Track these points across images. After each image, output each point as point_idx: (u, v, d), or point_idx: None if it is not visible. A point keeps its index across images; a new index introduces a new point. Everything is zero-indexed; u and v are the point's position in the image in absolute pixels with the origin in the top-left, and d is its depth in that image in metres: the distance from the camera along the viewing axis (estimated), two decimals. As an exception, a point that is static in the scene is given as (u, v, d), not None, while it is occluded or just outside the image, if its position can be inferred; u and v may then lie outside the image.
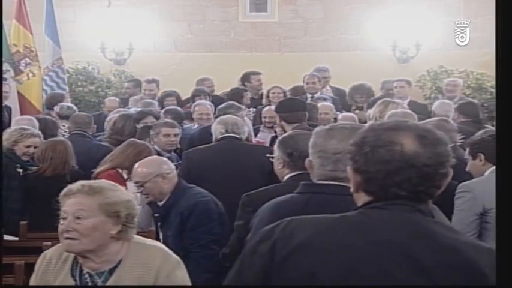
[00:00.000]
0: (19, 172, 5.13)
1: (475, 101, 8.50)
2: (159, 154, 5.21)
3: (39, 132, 5.47)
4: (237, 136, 5.07)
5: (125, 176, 4.78)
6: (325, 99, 7.65)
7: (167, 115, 6.45)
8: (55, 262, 2.59)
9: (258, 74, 8.58)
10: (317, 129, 2.53)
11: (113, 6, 10.28)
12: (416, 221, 1.67)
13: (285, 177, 3.12)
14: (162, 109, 7.16)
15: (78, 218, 2.47)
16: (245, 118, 6.39)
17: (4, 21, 8.00)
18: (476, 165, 3.93)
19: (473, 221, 3.69)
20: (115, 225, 2.51)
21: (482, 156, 3.87)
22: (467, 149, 4.06)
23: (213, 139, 5.16)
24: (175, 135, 5.60)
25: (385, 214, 1.68)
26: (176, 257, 2.63)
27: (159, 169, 4.01)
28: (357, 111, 7.49)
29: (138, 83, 9.22)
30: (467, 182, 3.82)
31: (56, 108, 7.25)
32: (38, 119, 6.13)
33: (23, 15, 8.73)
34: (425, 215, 1.70)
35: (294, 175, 3.03)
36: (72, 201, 2.49)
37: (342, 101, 8.25)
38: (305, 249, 1.67)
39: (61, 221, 2.50)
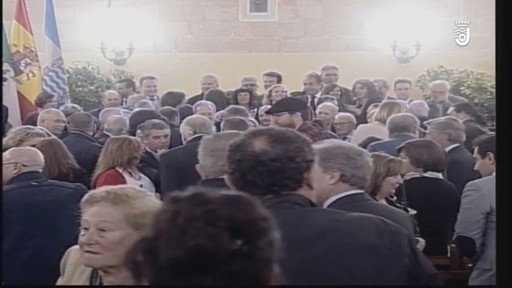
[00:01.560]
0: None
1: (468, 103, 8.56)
2: (150, 154, 5.32)
3: (44, 132, 5.49)
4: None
5: (125, 174, 4.78)
6: (326, 99, 7.65)
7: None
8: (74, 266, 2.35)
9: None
10: (204, 137, 2.95)
11: (113, 6, 10.28)
12: (299, 213, 1.89)
13: None
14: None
15: (103, 230, 2.17)
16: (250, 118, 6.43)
17: (4, 21, 8.00)
18: (485, 164, 3.93)
19: (479, 219, 3.68)
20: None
21: (492, 155, 3.85)
22: (476, 148, 4.05)
23: (182, 140, 5.15)
24: (165, 135, 5.61)
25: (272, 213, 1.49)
26: None
27: None
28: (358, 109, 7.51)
29: (130, 83, 9.23)
30: (475, 180, 3.81)
31: (61, 108, 7.26)
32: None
33: (23, 15, 8.73)
34: (302, 206, 1.91)
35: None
36: (96, 210, 2.19)
37: (347, 100, 8.29)
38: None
39: (82, 231, 2.21)
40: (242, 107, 6.89)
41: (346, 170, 2.63)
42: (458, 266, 4.37)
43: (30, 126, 5.45)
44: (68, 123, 6.30)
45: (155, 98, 8.58)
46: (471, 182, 3.81)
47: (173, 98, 7.87)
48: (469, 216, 3.72)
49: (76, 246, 2.30)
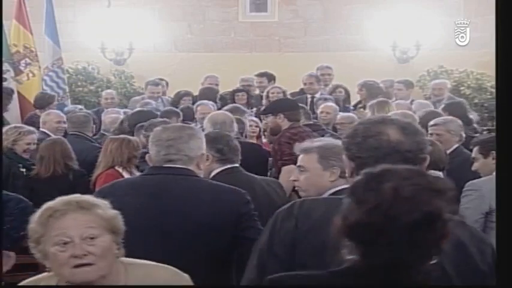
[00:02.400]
0: (22, 172, 5.15)
1: (463, 101, 8.55)
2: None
3: (35, 130, 5.50)
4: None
5: (124, 173, 4.78)
6: (326, 100, 7.65)
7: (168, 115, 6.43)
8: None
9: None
10: (155, 129, 3.10)
11: (113, 6, 10.28)
12: None
13: (214, 172, 3.51)
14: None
15: (91, 238, 2.04)
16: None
17: (4, 21, 7.99)
18: (487, 164, 3.90)
19: (478, 219, 3.68)
20: (116, 243, 2.13)
21: (495, 154, 3.82)
22: (476, 148, 4.03)
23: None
24: None
25: None
26: (186, 275, 2.27)
27: None
28: (361, 110, 7.48)
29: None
30: (475, 180, 3.80)
31: (65, 109, 7.27)
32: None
33: (23, 15, 8.72)
34: None
35: (224, 169, 3.52)
36: (73, 221, 2.04)
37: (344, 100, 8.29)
38: (321, 223, 1.98)
39: (61, 248, 2.02)
40: (241, 105, 6.86)
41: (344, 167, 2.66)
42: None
43: (19, 125, 5.47)
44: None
45: (159, 101, 8.56)
46: (470, 181, 3.81)
47: (177, 97, 8.01)
48: (469, 216, 3.71)
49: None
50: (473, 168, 4.02)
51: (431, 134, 5.08)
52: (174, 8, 10.62)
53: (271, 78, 8.84)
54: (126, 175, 4.77)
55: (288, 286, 1.66)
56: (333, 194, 2.67)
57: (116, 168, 4.83)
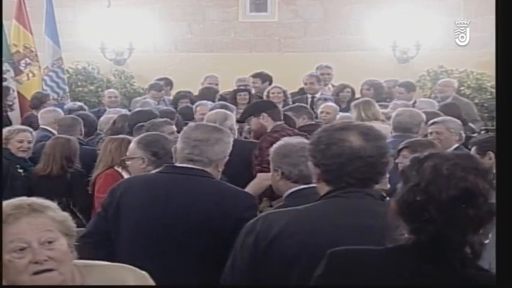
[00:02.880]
0: (20, 172, 5.14)
1: (469, 101, 8.60)
2: None
3: (28, 128, 5.51)
4: None
5: (124, 173, 4.78)
6: (326, 100, 7.65)
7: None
8: None
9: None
10: (189, 123, 3.17)
11: (113, 6, 10.28)
12: (368, 204, 2.09)
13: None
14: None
15: (49, 242, 1.92)
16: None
17: (4, 21, 7.99)
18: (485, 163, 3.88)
19: None
20: (70, 246, 2.00)
21: (492, 154, 3.81)
22: (474, 148, 4.01)
23: None
24: (172, 132, 5.57)
25: (343, 201, 2.09)
26: (143, 272, 2.18)
27: None
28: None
29: (168, 82, 9.14)
30: None
31: (68, 106, 7.24)
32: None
33: (23, 15, 8.72)
34: (375, 198, 2.13)
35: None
36: (27, 225, 1.90)
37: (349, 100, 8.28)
38: (283, 236, 2.06)
39: (17, 254, 1.89)
40: (228, 103, 6.85)
41: (284, 168, 2.87)
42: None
43: (12, 126, 5.50)
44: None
45: (162, 101, 8.56)
46: None
47: (175, 99, 7.99)
48: None
49: None
50: None
51: (430, 133, 5.10)
52: (174, 8, 10.62)
53: (265, 78, 8.74)
54: (125, 175, 4.77)
55: (350, 258, 1.75)
56: (289, 195, 2.84)
57: (116, 168, 4.82)
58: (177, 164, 2.99)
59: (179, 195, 2.87)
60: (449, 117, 5.41)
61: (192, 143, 2.95)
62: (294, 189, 2.86)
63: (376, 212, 2.02)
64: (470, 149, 4.23)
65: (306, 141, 2.76)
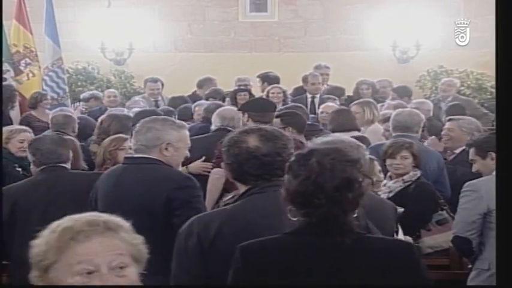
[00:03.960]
0: (19, 171, 5.13)
1: (470, 98, 8.66)
2: None
3: (28, 128, 5.52)
4: (231, 129, 5.13)
5: None
6: (328, 99, 7.64)
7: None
8: None
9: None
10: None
11: (113, 6, 10.28)
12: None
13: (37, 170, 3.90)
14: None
15: (120, 268, 1.66)
16: None
17: (4, 21, 7.99)
18: (486, 164, 3.86)
19: (475, 220, 3.66)
20: (139, 275, 1.73)
21: (494, 155, 3.78)
22: (473, 149, 4.00)
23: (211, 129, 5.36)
24: None
25: (262, 196, 2.36)
26: None
27: None
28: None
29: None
30: (474, 181, 3.77)
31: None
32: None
33: (23, 15, 8.72)
34: None
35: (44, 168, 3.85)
36: (99, 246, 1.64)
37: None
38: (221, 235, 2.30)
39: (84, 279, 1.63)
40: (221, 102, 6.89)
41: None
42: (458, 266, 4.37)
43: (12, 125, 5.51)
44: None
45: (159, 99, 8.55)
46: (469, 182, 3.78)
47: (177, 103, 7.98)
48: (466, 216, 3.70)
49: None
50: (473, 170, 3.99)
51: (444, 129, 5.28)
52: (174, 8, 10.62)
53: (265, 80, 8.69)
54: None
55: (257, 249, 2.05)
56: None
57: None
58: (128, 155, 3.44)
59: (128, 184, 3.21)
60: (468, 118, 5.49)
61: (133, 134, 3.36)
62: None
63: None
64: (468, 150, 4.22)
65: None
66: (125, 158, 3.43)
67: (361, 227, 2.10)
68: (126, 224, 1.75)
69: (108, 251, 1.64)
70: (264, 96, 8.11)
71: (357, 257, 1.98)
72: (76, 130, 6.14)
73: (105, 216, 1.73)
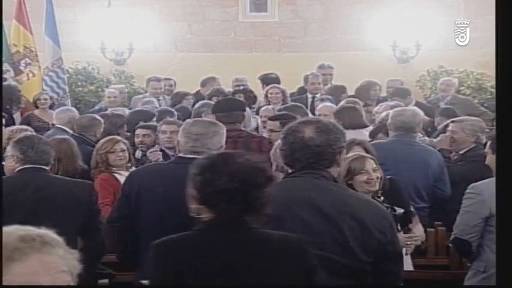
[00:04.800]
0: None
1: (468, 98, 8.68)
2: (163, 151, 5.26)
3: (29, 128, 5.54)
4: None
5: (117, 176, 4.75)
6: (322, 100, 7.62)
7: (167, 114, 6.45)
8: None
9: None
10: (186, 120, 3.76)
11: (113, 6, 10.28)
12: (321, 183, 2.59)
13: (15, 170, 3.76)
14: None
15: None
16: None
17: (4, 21, 8.00)
18: (494, 160, 3.86)
19: (477, 224, 3.64)
20: None
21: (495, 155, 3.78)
22: (489, 143, 4.00)
23: None
24: (172, 132, 5.54)
25: (301, 180, 2.61)
26: None
27: None
28: (364, 108, 7.47)
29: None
30: (478, 183, 3.75)
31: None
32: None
33: (23, 15, 8.73)
34: (327, 180, 2.61)
35: (21, 169, 3.70)
36: (38, 264, 1.41)
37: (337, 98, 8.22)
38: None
39: None
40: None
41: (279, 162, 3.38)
42: (458, 266, 4.37)
43: (14, 126, 5.52)
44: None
45: (161, 99, 8.55)
46: (473, 184, 3.76)
47: (177, 97, 7.97)
48: (468, 219, 3.69)
49: None
50: (486, 162, 4.00)
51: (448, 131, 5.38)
52: (174, 8, 10.61)
53: (264, 81, 8.70)
54: (121, 178, 4.68)
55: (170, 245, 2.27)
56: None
57: (108, 172, 4.80)
58: (182, 155, 3.41)
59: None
60: (471, 118, 5.53)
61: (193, 137, 3.40)
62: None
63: (323, 188, 2.58)
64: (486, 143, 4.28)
65: None
66: (182, 157, 3.39)
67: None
68: (59, 238, 1.49)
69: (48, 269, 1.41)
70: (263, 96, 8.13)
71: (253, 250, 2.24)
72: (98, 135, 5.95)
73: (37, 230, 1.46)
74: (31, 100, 8.14)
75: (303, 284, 2.25)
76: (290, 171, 2.67)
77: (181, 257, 2.21)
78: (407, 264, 3.96)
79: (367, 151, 4.30)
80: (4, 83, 7.87)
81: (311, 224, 2.50)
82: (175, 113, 6.64)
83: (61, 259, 1.45)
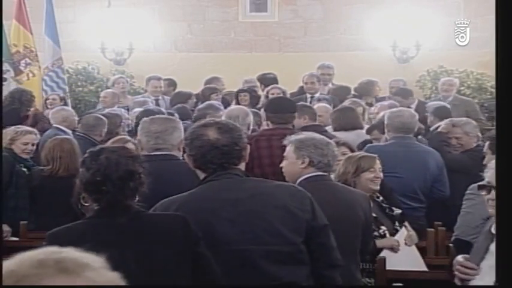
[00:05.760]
0: (24, 171, 5.14)
1: (470, 99, 8.68)
2: None
3: (34, 130, 5.50)
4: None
5: None
6: (319, 100, 7.60)
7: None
8: None
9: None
10: (143, 119, 3.79)
11: (113, 6, 10.28)
12: (237, 181, 2.69)
13: None
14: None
15: None
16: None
17: (4, 21, 8.00)
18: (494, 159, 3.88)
19: (479, 224, 3.63)
20: None
21: (495, 155, 3.79)
22: (487, 143, 4.01)
23: None
24: None
25: (218, 183, 2.68)
26: None
27: None
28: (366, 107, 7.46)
29: (172, 82, 9.13)
30: (478, 184, 3.75)
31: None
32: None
33: (23, 15, 8.73)
34: (241, 176, 2.70)
35: None
36: None
37: (341, 98, 8.21)
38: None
39: None
40: (216, 103, 6.91)
41: (314, 157, 3.34)
42: (458, 266, 4.36)
43: (19, 126, 5.49)
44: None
45: (160, 98, 8.54)
46: (474, 184, 3.76)
47: (181, 98, 7.96)
48: (469, 220, 3.69)
49: None
50: (484, 162, 4.00)
51: (452, 138, 5.51)
52: (174, 8, 10.61)
53: (262, 81, 8.71)
54: None
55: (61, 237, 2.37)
56: (304, 180, 3.31)
57: None
58: (146, 153, 3.51)
59: (162, 176, 3.31)
60: (470, 121, 5.66)
61: (154, 135, 3.56)
62: (311, 174, 3.34)
63: (240, 185, 2.68)
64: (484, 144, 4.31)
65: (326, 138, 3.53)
66: (148, 156, 3.50)
67: None
68: (92, 260, 1.22)
69: None
70: (264, 96, 8.12)
71: (139, 230, 2.42)
72: (103, 134, 6.01)
73: (59, 252, 1.21)
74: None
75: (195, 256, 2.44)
76: (202, 176, 2.73)
77: (73, 245, 2.15)
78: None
79: (351, 151, 4.39)
80: (18, 87, 7.90)
81: (238, 223, 2.59)
82: (175, 114, 6.66)
83: (86, 281, 1.15)
